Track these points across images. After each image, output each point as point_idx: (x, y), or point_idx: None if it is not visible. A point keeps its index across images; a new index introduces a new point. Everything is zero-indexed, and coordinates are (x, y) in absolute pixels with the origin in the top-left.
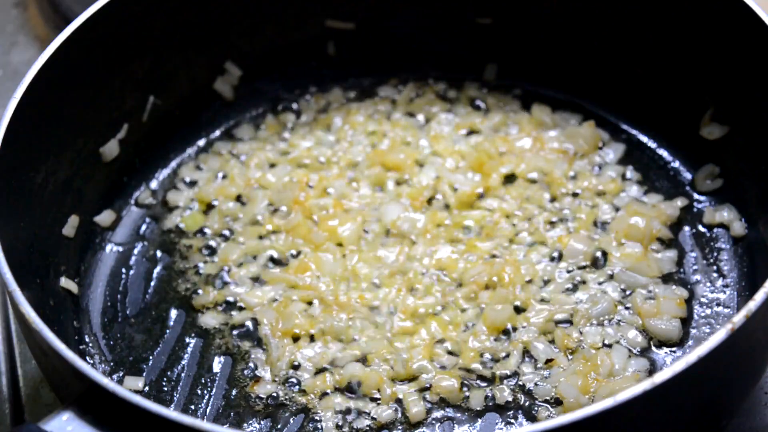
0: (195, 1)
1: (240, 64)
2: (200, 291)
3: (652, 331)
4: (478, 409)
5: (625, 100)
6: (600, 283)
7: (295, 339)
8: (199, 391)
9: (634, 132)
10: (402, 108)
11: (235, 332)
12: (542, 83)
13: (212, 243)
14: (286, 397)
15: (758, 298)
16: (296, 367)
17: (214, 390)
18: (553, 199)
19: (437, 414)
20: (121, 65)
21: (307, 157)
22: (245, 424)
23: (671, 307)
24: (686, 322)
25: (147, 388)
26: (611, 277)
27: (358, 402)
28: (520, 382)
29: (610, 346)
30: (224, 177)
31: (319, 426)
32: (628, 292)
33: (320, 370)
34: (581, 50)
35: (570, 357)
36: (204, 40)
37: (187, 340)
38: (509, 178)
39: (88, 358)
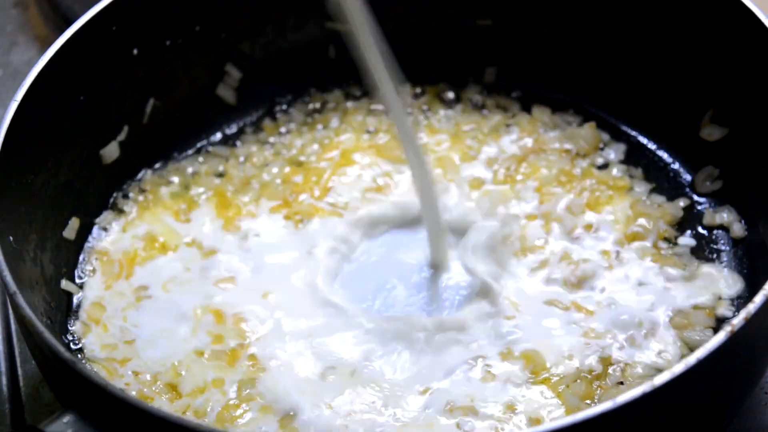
0: (196, 3)
1: (240, 67)
2: None
3: None
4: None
5: (624, 101)
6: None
7: None
8: None
9: (633, 133)
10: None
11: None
12: (542, 85)
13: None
14: None
15: (758, 300)
16: None
17: None
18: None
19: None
20: (121, 67)
21: (302, 154)
22: None
23: None
24: None
25: None
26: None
27: None
28: None
29: None
30: (222, 176)
31: None
32: None
33: None
34: (581, 52)
35: None
36: (204, 42)
37: None
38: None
39: None
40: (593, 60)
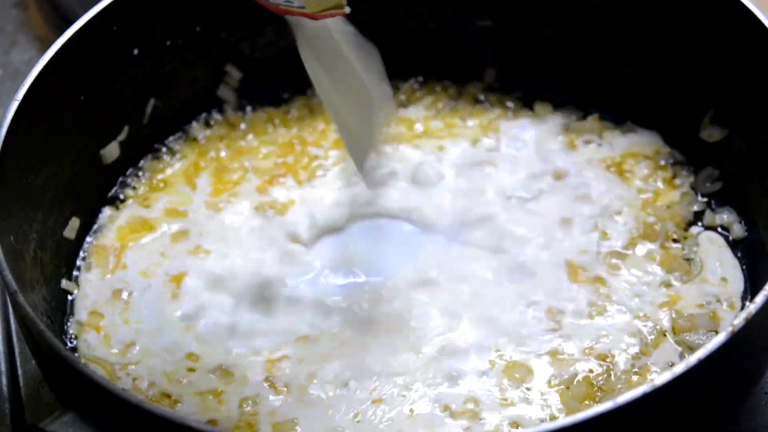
0: (196, 3)
1: (240, 67)
2: None
3: None
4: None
5: (624, 102)
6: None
7: None
8: None
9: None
10: (400, 102)
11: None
12: (542, 86)
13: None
14: None
15: (758, 300)
16: None
17: None
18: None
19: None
20: (121, 67)
21: (295, 138)
22: None
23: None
24: None
25: None
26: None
27: None
28: None
29: None
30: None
31: None
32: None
33: None
34: (580, 53)
35: None
36: (204, 42)
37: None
38: None
39: None
40: (593, 61)
